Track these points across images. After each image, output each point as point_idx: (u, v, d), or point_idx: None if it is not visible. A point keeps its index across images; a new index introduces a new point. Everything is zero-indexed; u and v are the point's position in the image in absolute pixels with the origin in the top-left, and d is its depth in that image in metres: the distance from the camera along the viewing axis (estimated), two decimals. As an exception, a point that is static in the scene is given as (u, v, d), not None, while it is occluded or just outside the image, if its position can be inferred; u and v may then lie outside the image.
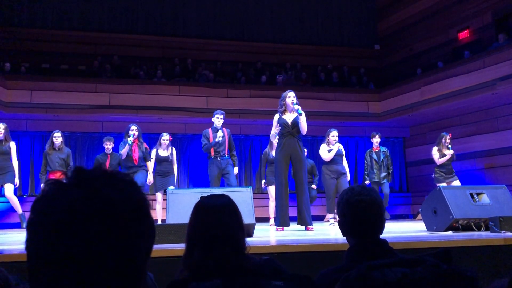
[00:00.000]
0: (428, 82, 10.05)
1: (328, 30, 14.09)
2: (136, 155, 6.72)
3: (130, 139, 6.61)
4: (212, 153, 6.54)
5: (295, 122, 5.52)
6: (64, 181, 0.71)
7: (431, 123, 11.18)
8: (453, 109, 9.99)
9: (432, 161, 11.23)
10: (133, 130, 6.74)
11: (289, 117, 5.59)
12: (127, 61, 11.82)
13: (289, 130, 5.52)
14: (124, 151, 6.65)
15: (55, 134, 7.01)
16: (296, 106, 5.51)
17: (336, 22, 14.18)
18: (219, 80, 11.77)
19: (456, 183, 7.47)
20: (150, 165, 6.97)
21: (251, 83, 11.58)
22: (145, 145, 6.96)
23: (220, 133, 6.49)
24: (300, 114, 5.45)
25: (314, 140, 11.12)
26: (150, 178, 6.92)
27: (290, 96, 5.62)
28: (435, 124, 11.10)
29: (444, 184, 7.42)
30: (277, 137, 5.78)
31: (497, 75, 8.53)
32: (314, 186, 8.70)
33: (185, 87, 10.34)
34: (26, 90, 9.37)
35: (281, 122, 5.58)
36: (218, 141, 6.47)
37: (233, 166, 6.65)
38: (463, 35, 11.47)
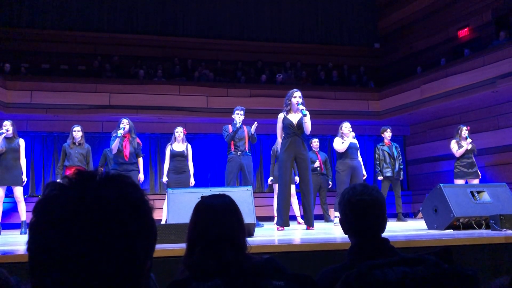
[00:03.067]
0: (428, 80, 10.04)
1: (328, 29, 14.08)
2: (127, 150, 6.36)
3: (120, 132, 6.26)
4: (232, 148, 6.54)
5: (301, 123, 5.49)
6: (64, 183, 0.71)
7: (432, 121, 11.18)
8: (453, 107, 9.98)
9: (433, 159, 11.32)
10: (124, 123, 6.38)
11: (294, 118, 5.54)
12: (127, 61, 11.82)
13: (294, 131, 5.49)
14: (114, 145, 6.30)
15: (75, 129, 6.74)
16: (301, 107, 5.46)
17: (336, 20, 14.17)
18: (219, 79, 11.77)
19: (476, 182, 7.22)
20: (141, 161, 6.68)
21: (251, 83, 11.58)
22: (137, 140, 6.60)
23: (238, 117, 6.53)
24: (305, 115, 5.42)
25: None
26: (141, 175, 6.63)
27: (296, 96, 5.56)
28: (435, 122, 11.10)
29: (462, 181, 7.27)
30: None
31: (498, 73, 8.52)
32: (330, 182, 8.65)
33: (185, 87, 10.34)
34: (26, 90, 9.36)
35: (286, 123, 5.54)
36: (240, 127, 6.53)
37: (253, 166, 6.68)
38: (463, 33, 11.45)
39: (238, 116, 6.62)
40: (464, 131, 7.48)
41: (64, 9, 12.17)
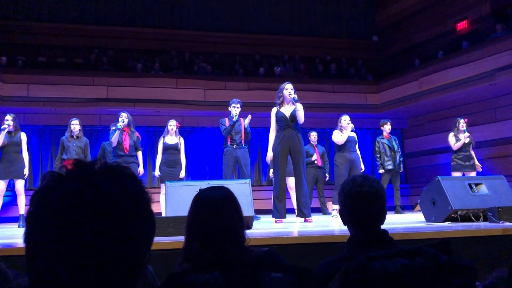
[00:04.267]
0: (426, 73, 10.03)
1: (326, 21, 14.03)
2: (127, 143, 6.51)
3: (119, 124, 6.41)
4: (229, 141, 6.54)
5: (293, 115, 5.51)
6: (62, 173, 0.71)
7: (430, 114, 11.18)
8: (451, 100, 9.98)
9: (431, 152, 11.33)
10: (123, 116, 6.53)
11: (287, 110, 5.57)
12: (124, 54, 11.76)
13: (288, 123, 5.51)
14: (114, 138, 6.44)
15: (73, 122, 6.77)
16: (293, 95, 5.52)
17: (334, 13, 14.12)
18: (216, 72, 11.73)
19: (473, 175, 7.19)
20: (141, 155, 6.80)
21: (249, 75, 11.56)
22: (136, 133, 6.73)
23: (235, 110, 6.50)
24: (297, 100, 5.45)
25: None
26: (141, 169, 6.76)
27: (288, 88, 5.61)
28: (433, 115, 11.10)
29: (459, 174, 7.26)
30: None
31: (496, 66, 8.51)
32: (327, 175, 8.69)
33: (183, 80, 10.30)
34: (23, 84, 9.32)
35: (279, 116, 5.58)
36: (237, 121, 6.49)
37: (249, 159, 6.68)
38: (461, 25, 11.43)
39: (235, 109, 6.60)
40: (462, 123, 7.47)
41: (61, 1, 12.08)
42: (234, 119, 6.50)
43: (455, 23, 11.57)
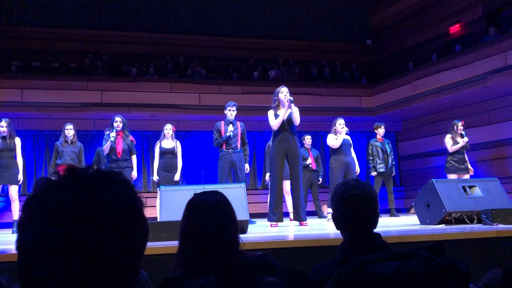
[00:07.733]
0: (420, 76, 10.08)
1: (321, 25, 14.08)
2: (120, 147, 6.42)
3: (112, 135, 6.33)
4: (224, 145, 6.49)
5: (290, 118, 5.52)
6: (55, 179, 0.70)
7: (424, 117, 11.23)
8: (445, 103, 10.03)
9: (425, 155, 11.38)
10: (117, 121, 6.45)
11: (283, 113, 5.58)
12: (118, 59, 11.74)
13: (284, 126, 5.52)
14: (106, 147, 6.39)
15: (67, 127, 6.72)
16: (288, 96, 5.53)
17: (328, 17, 14.18)
18: (211, 76, 11.74)
19: (467, 177, 7.21)
20: (135, 159, 6.72)
21: (243, 79, 11.57)
22: (131, 137, 6.65)
23: (230, 127, 6.44)
24: (292, 102, 5.46)
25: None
26: (134, 173, 6.67)
27: (283, 92, 5.62)
28: (427, 118, 11.15)
29: (454, 176, 7.31)
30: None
31: (488, 69, 8.56)
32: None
33: (178, 84, 10.30)
34: (17, 88, 9.28)
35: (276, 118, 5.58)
36: (230, 136, 6.41)
37: (244, 163, 6.58)
38: (454, 29, 11.51)
39: (230, 112, 6.56)
40: (460, 126, 7.48)
41: (55, 6, 12.06)
42: (228, 133, 6.43)
43: (448, 26, 11.65)
